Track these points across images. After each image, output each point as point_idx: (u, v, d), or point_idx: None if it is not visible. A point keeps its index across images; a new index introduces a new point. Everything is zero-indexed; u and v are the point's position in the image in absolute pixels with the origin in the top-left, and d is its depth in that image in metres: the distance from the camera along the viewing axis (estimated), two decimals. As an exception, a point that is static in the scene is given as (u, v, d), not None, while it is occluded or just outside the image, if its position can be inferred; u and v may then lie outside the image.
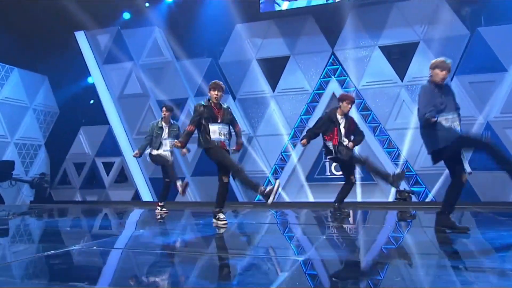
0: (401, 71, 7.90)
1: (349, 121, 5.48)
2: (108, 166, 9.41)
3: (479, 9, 7.41)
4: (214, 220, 4.64)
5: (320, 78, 8.39)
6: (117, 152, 9.35)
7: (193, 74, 8.96)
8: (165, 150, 6.18)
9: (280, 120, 8.60)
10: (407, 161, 7.79)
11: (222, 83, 4.68)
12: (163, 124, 6.20)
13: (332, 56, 8.31)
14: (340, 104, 5.40)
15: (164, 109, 6.21)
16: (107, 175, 9.42)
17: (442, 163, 3.90)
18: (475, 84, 7.31)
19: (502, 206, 6.78)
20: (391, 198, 7.69)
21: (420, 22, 7.79)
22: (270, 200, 4.17)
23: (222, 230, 4.37)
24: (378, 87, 8.03)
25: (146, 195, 9.13)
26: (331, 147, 5.39)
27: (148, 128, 6.34)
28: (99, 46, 9.68)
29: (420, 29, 7.81)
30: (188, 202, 8.74)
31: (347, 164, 5.47)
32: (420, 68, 7.75)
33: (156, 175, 9.02)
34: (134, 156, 6.43)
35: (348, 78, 8.20)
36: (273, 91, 8.67)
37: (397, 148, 7.84)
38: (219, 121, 4.60)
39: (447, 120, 3.65)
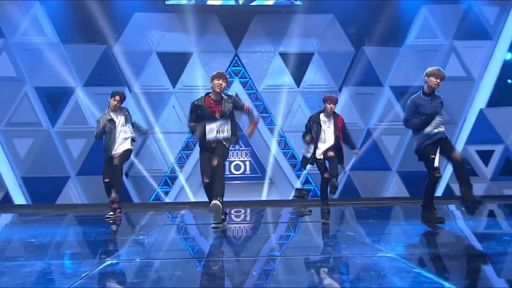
0: (298, 78, 8.53)
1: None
2: (-33, 163, 7.68)
3: (363, 30, 8.51)
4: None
5: (222, 78, 8.44)
6: (-19, 146, 7.72)
7: (83, 61, 8.01)
8: (125, 138, 5.41)
9: (180, 118, 8.36)
10: (300, 162, 8.45)
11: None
12: (112, 114, 5.39)
13: (236, 57, 8.48)
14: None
15: (117, 97, 5.35)
16: (-34, 174, 7.69)
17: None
18: (359, 95, 8.38)
19: (378, 201, 7.96)
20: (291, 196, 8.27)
21: (316, 35, 8.54)
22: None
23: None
24: (277, 91, 8.51)
25: (19, 197, 7.79)
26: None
27: (96, 124, 5.49)
28: (-46, 14, 7.84)
29: (315, 42, 8.56)
30: (71, 204, 7.80)
31: None
32: (315, 76, 8.53)
33: (31, 174, 7.84)
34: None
35: (250, 80, 8.48)
36: (174, 87, 8.38)
37: (292, 149, 8.45)
38: (218, 117, 4.30)
39: (435, 121, 4.28)
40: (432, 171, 4.29)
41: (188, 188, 8.13)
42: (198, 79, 8.37)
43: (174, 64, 8.35)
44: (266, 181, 8.24)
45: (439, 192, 8.21)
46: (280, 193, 8.36)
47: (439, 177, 4.36)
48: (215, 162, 4.18)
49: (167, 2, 8.07)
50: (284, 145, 8.49)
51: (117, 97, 5.36)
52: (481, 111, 8.35)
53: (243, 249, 3.64)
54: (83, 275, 2.39)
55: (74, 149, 8.01)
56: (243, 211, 7.14)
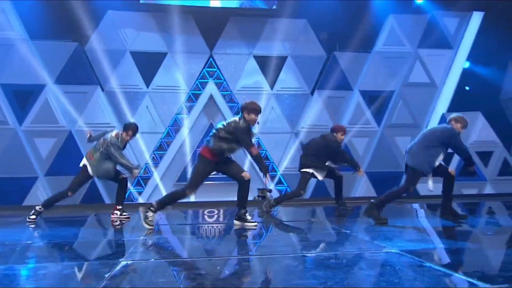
0: (271, 81, 8.68)
1: None
2: None
3: (335, 35, 8.79)
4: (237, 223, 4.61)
5: (197, 79, 8.48)
6: None
7: (54, 58, 7.78)
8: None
9: (153, 118, 8.31)
10: (273, 162, 8.63)
11: None
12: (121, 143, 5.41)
13: (211, 59, 8.52)
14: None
15: (130, 132, 5.43)
16: None
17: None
18: (331, 99, 8.65)
19: (348, 201, 8.19)
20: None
21: (289, 39, 8.73)
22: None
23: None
24: (251, 93, 8.61)
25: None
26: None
27: (116, 142, 5.34)
28: None
29: (288, 46, 8.76)
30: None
31: None
32: (287, 80, 8.73)
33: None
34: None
35: (224, 82, 8.55)
36: (147, 87, 8.31)
37: (266, 150, 8.60)
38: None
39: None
40: (410, 184, 4.60)
41: (163, 188, 8.06)
42: (172, 80, 8.35)
43: (148, 64, 8.27)
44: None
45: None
46: (254, 193, 8.45)
47: (411, 192, 4.71)
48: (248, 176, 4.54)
49: (141, 1, 7.99)
50: (257, 146, 8.60)
51: (130, 132, 5.42)
52: (443, 115, 8.85)
53: (256, 247, 3.78)
54: (106, 275, 2.37)
55: (42, 149, 7.75)
56: (216, 211, 7.18)
